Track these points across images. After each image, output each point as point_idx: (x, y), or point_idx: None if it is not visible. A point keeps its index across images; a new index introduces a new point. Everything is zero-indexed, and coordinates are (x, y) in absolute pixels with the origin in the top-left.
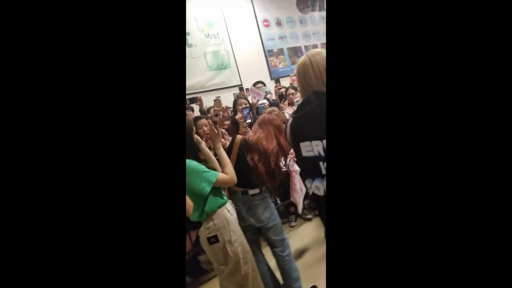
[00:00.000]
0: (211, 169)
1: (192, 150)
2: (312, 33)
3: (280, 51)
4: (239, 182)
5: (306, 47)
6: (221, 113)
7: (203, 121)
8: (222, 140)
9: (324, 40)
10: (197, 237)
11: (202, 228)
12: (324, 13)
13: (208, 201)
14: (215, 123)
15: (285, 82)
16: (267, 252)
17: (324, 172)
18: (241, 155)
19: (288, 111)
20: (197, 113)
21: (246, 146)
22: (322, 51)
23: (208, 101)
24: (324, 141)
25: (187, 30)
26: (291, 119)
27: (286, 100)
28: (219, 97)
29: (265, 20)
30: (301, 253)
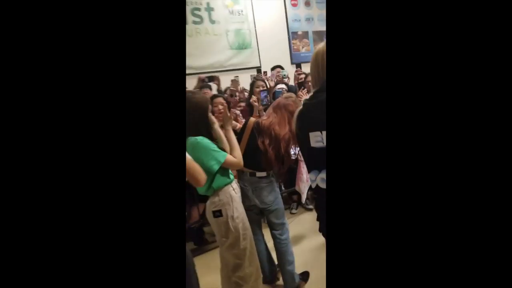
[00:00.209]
0: (221, 150)
1: (205, 128)
2: None
3: (305, 34)
4: (248, 163)
5: None
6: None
7: (219, 100)
8: (234, 122)
9: None
10: (204, 209)
11: (208, 202)
12: None
13: (216, 178)
14: (229, 104)
15: (306, 68)
16: (266, 233)
17: None
18: (253, 138)
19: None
20: (214, 92)
21: (258, 129)
22: None
23: (226, 80)
24: None
25: (211, 6)
26: (301, 106)
27: (305, 89)
28: (237, 77)
29: None
30: (298, 239)
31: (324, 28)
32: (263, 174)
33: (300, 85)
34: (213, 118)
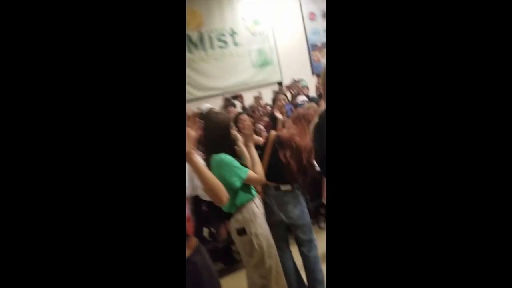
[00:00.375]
0: (243, 166)
1: (228, 145)
2: None
3: (324, 45)
4: (272, 177)
5: None
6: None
7: (243, 116)
8: (258, 138)
9: None
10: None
11: (232, 219)
12: None
13: (239, 195)
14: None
15: None
16: (294, 251)
17: None
18: (275, 152)
19: None
20: (239, 109)
21: (279, 142)
22: None
23: (249, 97)
24: None
25: (234, 30)
26: (317, 119)
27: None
28: (259, 94)
29: (311, 13)
30: None
31: None
32: (288, 187)
33: (321, 96)
34: (236, 134)
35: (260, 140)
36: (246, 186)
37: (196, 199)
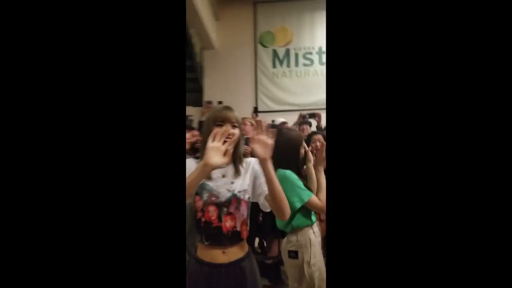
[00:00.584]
0: (307, 188)
1: (295, 163)
2: None
3: None
4: None
5: None
6: None
7: (318, 137)
8: None
9: None
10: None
11: (285, 239)
12: None
13: (296, 217)
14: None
15: None
16: None
17: None
18: None
19: None
20: (314, 129)
21: None
22: None
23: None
24: None
25: (323, 49)
26: None
27: None
28: None
29: None
30: None
31: None
32: None
33: None
34: (310, 155)
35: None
36: (306, 210)
37: (253, 207)
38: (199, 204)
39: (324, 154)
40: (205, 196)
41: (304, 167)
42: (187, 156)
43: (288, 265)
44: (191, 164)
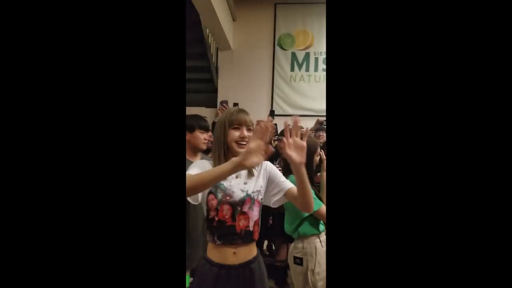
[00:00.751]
0: (318, 197)
1: (308, 170)
2: None
3: None
4: None
5: None
6: None
7: None
8: None
9: None
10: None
11: (292, 244)
12: None
13: (304, 224)
14: None
15: None
16: None
17: None
18: None
19: None
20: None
21: None
22: None
23: None
24: None
25: None
26: None
27: None
28: None
29: None
30: None
31: None
32: None
33: None
34: (325, 164)
35: None
36: (314, 219)
37: (264, 210)
38: (213, 203)
39: None
40: (220, 195)
41: (318, 174)
42: (204, 157)
43: (293, 270)
44: (207, 165)
